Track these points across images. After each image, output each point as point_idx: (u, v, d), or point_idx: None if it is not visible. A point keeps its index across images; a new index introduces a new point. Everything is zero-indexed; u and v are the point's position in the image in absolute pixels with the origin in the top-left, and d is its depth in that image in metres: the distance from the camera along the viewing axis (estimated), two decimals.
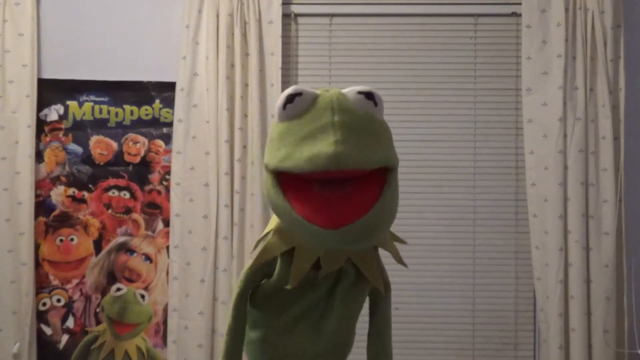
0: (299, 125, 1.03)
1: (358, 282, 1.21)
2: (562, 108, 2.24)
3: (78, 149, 2.40)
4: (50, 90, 2.40)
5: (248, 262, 1.29)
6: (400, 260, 1.25)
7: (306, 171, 0.99)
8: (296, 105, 1.04)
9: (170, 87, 2.36)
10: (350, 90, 1.06)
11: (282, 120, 1.06)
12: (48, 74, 2.40)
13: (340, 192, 1.01)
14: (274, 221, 1.21)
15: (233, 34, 2.30)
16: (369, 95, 1.05)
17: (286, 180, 1.05)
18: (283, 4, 2.33)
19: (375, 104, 1.06)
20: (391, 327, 1.31)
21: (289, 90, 1.05)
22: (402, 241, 1.27)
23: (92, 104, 2.41)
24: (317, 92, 1.06)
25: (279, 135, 1.06)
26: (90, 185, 2.40)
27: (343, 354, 1.32)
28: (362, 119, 1.04)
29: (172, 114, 2.34)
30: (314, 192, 1.02)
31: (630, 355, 2.21)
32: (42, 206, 2.38)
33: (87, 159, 2.40)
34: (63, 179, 2.40)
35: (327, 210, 1.00)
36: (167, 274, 2.35)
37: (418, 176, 2.40)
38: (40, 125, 2.39)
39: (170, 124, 2.37)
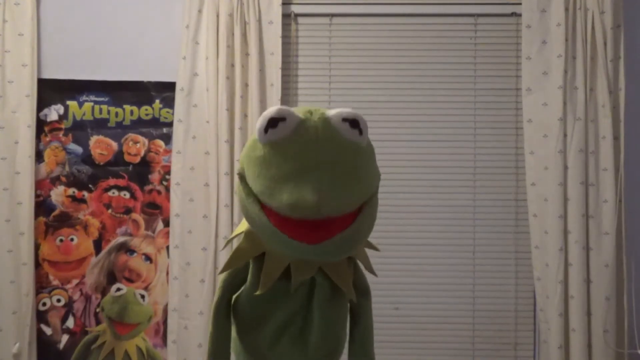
0: (280, 157, 0.99)
1: (333, 290, 1.18)
2: (562, 108, 2.24)
3: (78, 149, 2.40)
4: (50, 90, 2.40)
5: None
6: (370, 269, 1.23)
7: (287, 215, 0.97)
8: (279, 130, 0.99)
9: (170, 87, 2.36)
10: (335, 116, 1.01)
11: (263, 142, 1.01)
12: (48, 74, 2.40)
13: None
14: (245, 223, 1.17)
15: (233, 34, 2.30)
16: (353, 123, 1.01)
17: None
18: (283, 4, 2.33)
19: (360, 133, 1.02)
20: (373, 333, 1.29)
21: (273, 112, 0.99)
22: (374, 248, 1.24)
23: (92, 104, 2.41)
24: (301, 116, 1.01)
25: (260, 160, 1.01)
26: (90, 185, 2.40)
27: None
28: (346, 153, 1.01)
29: (172, 114, 2.34)
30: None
31: (630, 355, 2.21)
32: (42, 206, 2.38)
33: (87, 159, 2.40)
34: (63, 179, 2.40)
35: (306, 226, 0.98)
36: (167, 274, 2.35)
37: (418, 176, 2.40)
38: (40, 125, 2.39)
39: (170, 124, 2.37)
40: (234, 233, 1.22)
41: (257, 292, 1.13)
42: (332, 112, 1.02)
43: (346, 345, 1.29)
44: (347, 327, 1.29)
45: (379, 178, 1.10)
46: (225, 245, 1.22)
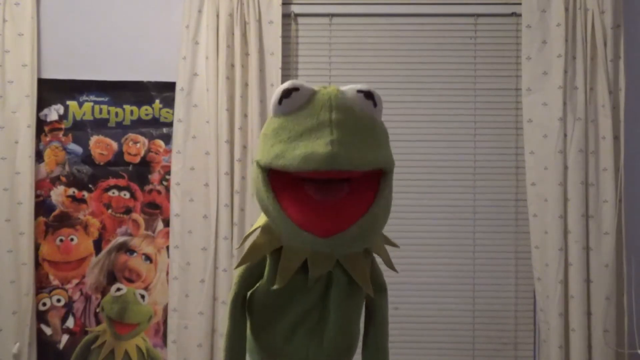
0: (295, 122, 1.00)
1: (350, 285, 1.18)
2: (562, 108, 2.24)
3: (78, 149, 2.40)
4: (50, 90, 2.40)
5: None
6: (390, 265, 1.22)
7: (300, 170, 0.97)
8: (293, 100, 1.01)
9: (170, 87, 2.36)
10: (349, 89, 1.03)
11: (277, 115, 1.04)
12: (48, 74, 2.40)
13: (333, 197, 0.99)
14: (262, 218, 1.17)
15: (233, 34, 2.30)
16: (368, 95, 1.03)
17: (278, 180, 1.02)
18: (283, 4, 2.33)
19: (375, 105, 1.03)
20: (388, 329, 1.29)
21: (286, 84, 1.02)
22: (394, 244, 1.23)
23: (92, 104, 2.41)
24: (315, 88, 1.04)
25: (273, 131, 1.03)
26: (90, 185, 2.40)
27: (347, 357, 1.27)
28: (360, 119, 1.01)
29: (172, 114, 2.34)
30: (306, 195, 1.00)
31: (630, 355, 2.21)
32: (42, 206, 2.38)
33: (87, 159, 2.40)
34: (63, 179, 2.40)
35: (319, 217, 0.98)
36: (167, 274, 2.35)
37: (418, 176, 2.40)
38: (40, 125, 2.39)
39: (170, 124, 2.37)
40: (251, 228, 1.21)
41: (275, 287, 1.13)
42: (346, 87, 1.04)
43: (360, 340, 1.29)
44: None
45: (393, 162, 1.09)
46: (242, 243, 1.22)
